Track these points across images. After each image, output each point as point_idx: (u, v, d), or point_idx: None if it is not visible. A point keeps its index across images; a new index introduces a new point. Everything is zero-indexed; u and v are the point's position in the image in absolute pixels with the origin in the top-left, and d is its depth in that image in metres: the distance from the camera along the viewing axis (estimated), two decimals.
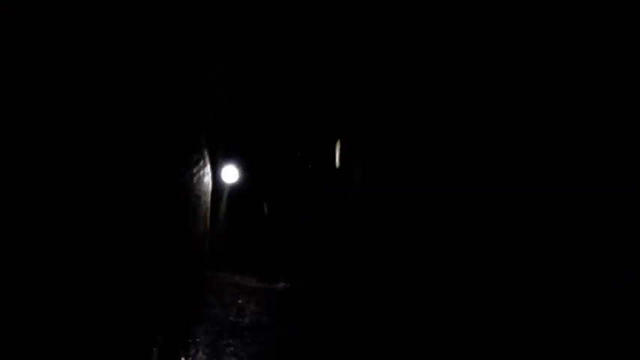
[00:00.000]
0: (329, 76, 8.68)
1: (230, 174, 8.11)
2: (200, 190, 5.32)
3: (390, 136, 4.96)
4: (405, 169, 4.38)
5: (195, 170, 4.55)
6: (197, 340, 4.07)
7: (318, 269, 7.65)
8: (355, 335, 4.37)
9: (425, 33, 4.01)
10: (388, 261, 4.82)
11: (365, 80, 6.53)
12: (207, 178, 6.20)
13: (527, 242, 2.10)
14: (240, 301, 4.96)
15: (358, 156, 7.02)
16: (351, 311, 5.03)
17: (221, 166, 7.83)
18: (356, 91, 7.25)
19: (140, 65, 2.49)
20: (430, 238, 3.56)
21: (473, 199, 2.78)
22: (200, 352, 3.85)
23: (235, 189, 9.64)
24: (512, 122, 2.39)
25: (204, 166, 5.74)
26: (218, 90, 7.17)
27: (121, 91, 2.20)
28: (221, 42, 6.57)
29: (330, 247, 9.11)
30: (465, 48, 3.11)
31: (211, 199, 6.71)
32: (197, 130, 4.78)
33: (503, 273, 2.33)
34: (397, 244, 4.53)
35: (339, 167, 9.63)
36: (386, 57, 5.33)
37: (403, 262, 4.33)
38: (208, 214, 6.38)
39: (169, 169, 3.22)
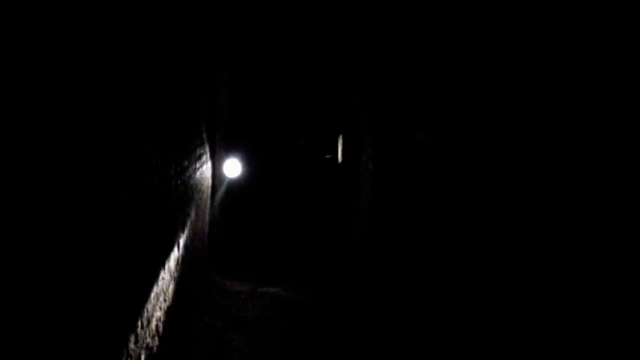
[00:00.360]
0: (333, 75, 8.77)
1: (232, 168, 8.17)
2: (202, 185, 5.43)
3: (400, 136, 4.97)
4: (416, 172, 4.38)
5: (197, 165, 4.66)
6: (200, 335, 4.18)
7: (322, 276, 7.62)
8: (357, 340, 4.45)
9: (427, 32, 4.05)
10: (395, 268, 4.82)
11: (371, 76, 6.57)
12: (209, 174, 6.31)
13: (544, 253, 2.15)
14: (242, 296, 5.08)
15: (366, 157, 7.03)
16: (355, 319, 5.09)
17: (222, 161, 7.92)
18: (363, 87, 7.30)
19: (167, 76, 2.62)
20: (443, 244, 3.54)
21: (491, 203, 2.78)
22: (203, 346, 3.97)
23: (236, 186, 9.70)
24: (519, 118, 2.45)
25: (207, 161, 5.85)
26: (224, 94, 7.29)
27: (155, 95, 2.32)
28: (229, 47, 6.68)
29: (335, 252, 9.07)
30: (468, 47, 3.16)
31: (211, 194, 6.80)
32: (201, 126, 4.89)
33: (521, 283, 2.36)
34: (405, 249, 4.53)
35: (342, 162, 9.70)
36: (391, 57, 5.38)
37: (410, 267, 4.32)
38: (208, 211, 6.48)
39: (176, 161, 3.33)
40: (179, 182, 3.45)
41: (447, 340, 3.32)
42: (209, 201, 6.55)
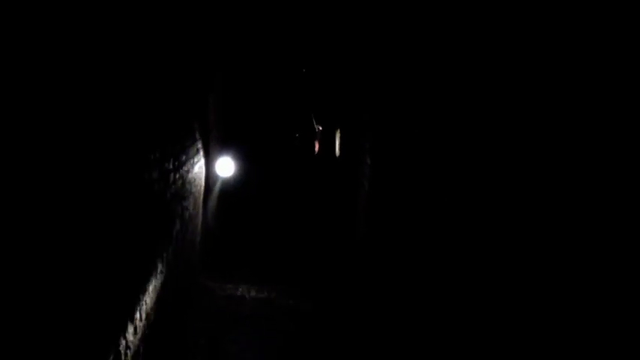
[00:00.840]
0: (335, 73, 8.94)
1: (226, 167, 8.32)
2: (200, 179, 5.64)
3: (403, 136, 5.00)
4: (417, 169, 4.42)
5: (195, 159, 4.87)
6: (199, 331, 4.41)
7: (322, 278, 7.68)
8: (359, 340, 4.60)
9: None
10: (396, 270, 4.82)
11: (372, 76, 6.66)
12: (203, 170, 6.52)
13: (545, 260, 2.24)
14: (239, 293, 5.32)
15: (364, 151, 7.07)
16: (357, 320, 5.21)
17: (215, 158, 8.11)
18: (365, 86, 7.38)
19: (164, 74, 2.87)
20: (449, 248, 3.52)
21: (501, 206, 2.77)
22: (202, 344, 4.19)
23: (230, 185, 9.84)
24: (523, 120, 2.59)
25: (201, 158, 6.07)
26: (219, 91, 7.45)
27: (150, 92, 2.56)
28: (225, 44, 6.87)
29: (336, 253, 9.13)
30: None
31: (204, 196, 6.95)
32: (196, 123, 5.11)
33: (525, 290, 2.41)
34: (406, 250, 4.55)
35: (340, 158, 9.92)
36: (391, 50, 5.52)
37: (414, 272, 4.33)
38: (200, 215, 6.63)
39: (171, 157, 3.56)
40: (177, 176, 3.71)
41: (447, 343, 3.41)
42: (202, 198, 6.76)
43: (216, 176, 8.25)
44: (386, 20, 5.47)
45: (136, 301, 3.23)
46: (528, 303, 2.37)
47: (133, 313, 3.19)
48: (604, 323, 1.79)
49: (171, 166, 3.45)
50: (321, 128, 13.40)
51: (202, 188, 6.61)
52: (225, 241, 9.35)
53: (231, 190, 10.06)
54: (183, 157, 3.99)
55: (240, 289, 6.21)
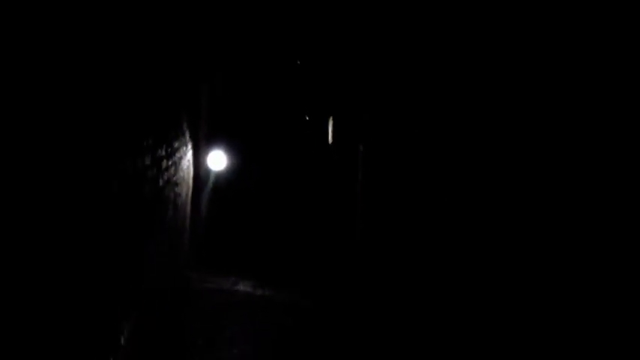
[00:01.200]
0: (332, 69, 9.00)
1: (217, 159, 8.33)
2: (187, 171, 5.67)
3: (397, 125, 5.04)
4: (417, 170, 4.46)
5: (188, 147, 4.89)
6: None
7: (318, 279, 7.60)
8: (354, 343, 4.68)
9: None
10: (395, 268, 4.85)
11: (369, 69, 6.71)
12: (192, 161, 6.53)
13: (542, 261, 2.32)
14: (234, 278, 5.37)
15: (358, 140, 7.12)
16: (356, 319, 5.27)
17: (207, 149, 8.13)
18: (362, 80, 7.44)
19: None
20: (445, 245, 3.56)
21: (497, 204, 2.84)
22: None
23: (223, 177, 9.84)
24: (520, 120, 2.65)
25: (187, 152, 6.08)
26: (209, 84, 7.44)
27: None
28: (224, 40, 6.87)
29: (333, 251, 9.04)
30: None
31: (193, 189, 6.95)
32: (186, 111, 5.13)
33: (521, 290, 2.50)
34: (402, 247, 4.59)
35: (334, 149, 9.97)
36: (387, 52, 5.57)
37: (411, 268, 4.37)
38: (189, 207, 6.64)
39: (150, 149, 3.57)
40: (170, 163, 3.74)
41: (444, 341, 3.46)
42: (192, 187, 6.79)
43: (208, 167, 8.27)
44: (380, 12, 5.51)
45: (131, 294, 3.26)
46: (526, 300, 2.41)
47: (129, 308, 3.22)
48: (602, 322, 1.83)
49: (163, 153, 3.47)
50: (308, 118, 13.41)
51: (192, 177, 6.64)
52: (218, 234, 9.37)
53: (224, 182, 10.07)
54: (176, 144, 4.02)
55: (232, 281, 6.26)
